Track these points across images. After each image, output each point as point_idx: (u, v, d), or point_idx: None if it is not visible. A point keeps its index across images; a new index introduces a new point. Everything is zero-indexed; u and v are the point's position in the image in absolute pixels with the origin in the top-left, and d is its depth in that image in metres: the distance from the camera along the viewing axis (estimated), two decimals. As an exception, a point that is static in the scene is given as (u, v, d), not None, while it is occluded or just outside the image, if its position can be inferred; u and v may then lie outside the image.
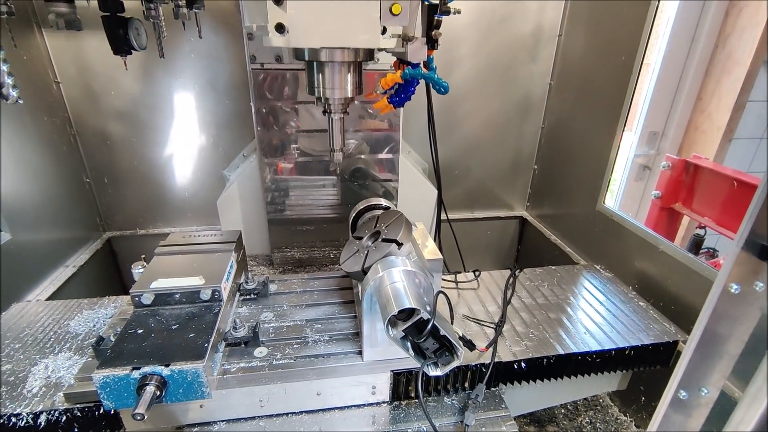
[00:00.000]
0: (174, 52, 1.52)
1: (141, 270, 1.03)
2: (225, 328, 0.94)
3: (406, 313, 0.79)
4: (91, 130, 1.58)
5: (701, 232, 1.38)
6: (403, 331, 0.78)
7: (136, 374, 0.73)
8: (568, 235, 1.76)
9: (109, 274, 1.76)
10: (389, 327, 0.77)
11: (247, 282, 1.10)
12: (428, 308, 0.79)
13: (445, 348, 0.82)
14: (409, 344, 0.81)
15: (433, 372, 0.80)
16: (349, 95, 0.95)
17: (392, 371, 0.92)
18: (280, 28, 0.80)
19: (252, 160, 1.57)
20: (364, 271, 0.90)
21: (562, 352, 1.00)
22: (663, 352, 1.07)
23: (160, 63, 1.52)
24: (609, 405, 1.49)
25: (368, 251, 0.96)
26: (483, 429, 0.90)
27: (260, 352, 0.92)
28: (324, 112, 0.98)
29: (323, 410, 0.92)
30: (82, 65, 1.49)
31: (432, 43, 0.90)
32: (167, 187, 1.73)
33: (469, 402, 0.93)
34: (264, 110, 1.34)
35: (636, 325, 1.11)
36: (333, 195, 1.50)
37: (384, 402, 0.95)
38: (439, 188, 1.60)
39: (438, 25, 0.89)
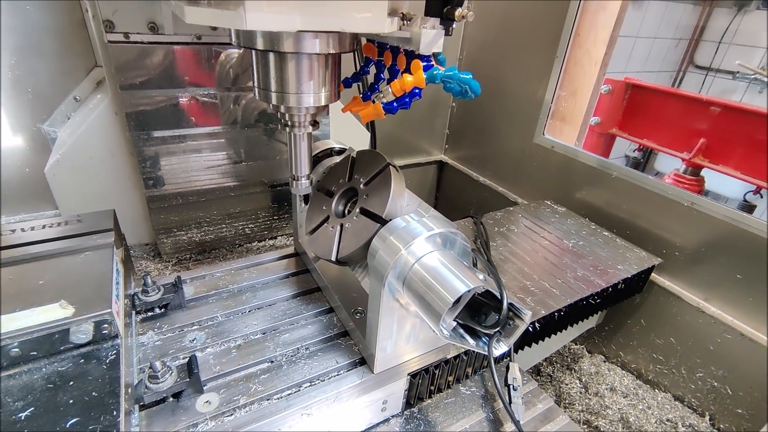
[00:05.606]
0: None
1: None
2: (131, 380, 0.54)
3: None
4: None
5: (638, 154, 1.42)
6: (454, 320, 0.53)
7: None
8: (499, 174, 1.68)
9: None
10: (442, 323, 0.50)
11: (145, 291, 0.68)
12: (481, 276, 0.55)
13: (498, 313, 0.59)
14: (462, 331, 0.55)
15: (502, 348, 0.56)
16: (323, 103, 0.61)
17: (409, 374, 0.67)
18: None
19: (93, 106, 1.03)
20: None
21: (569, 300, 0.88)
22: (640, 280, 1.06)
23: None
24: (555, 336, 1.52)
25: (352, 219, 0.64)
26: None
27: (207, 403, 0.56)
28: (284, 125, 0.64)
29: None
30: None
31: (449, 26, 0.60)
32: (-64, 156, 1.04)
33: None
34: (136, 115, 0.90)
35: (614, 257, 1.06)
36: (235, 150, 1.09)
37: (395, 415, 0.70)
38: (372, 133, 1.32)
39: (460, 2, 0.58)
